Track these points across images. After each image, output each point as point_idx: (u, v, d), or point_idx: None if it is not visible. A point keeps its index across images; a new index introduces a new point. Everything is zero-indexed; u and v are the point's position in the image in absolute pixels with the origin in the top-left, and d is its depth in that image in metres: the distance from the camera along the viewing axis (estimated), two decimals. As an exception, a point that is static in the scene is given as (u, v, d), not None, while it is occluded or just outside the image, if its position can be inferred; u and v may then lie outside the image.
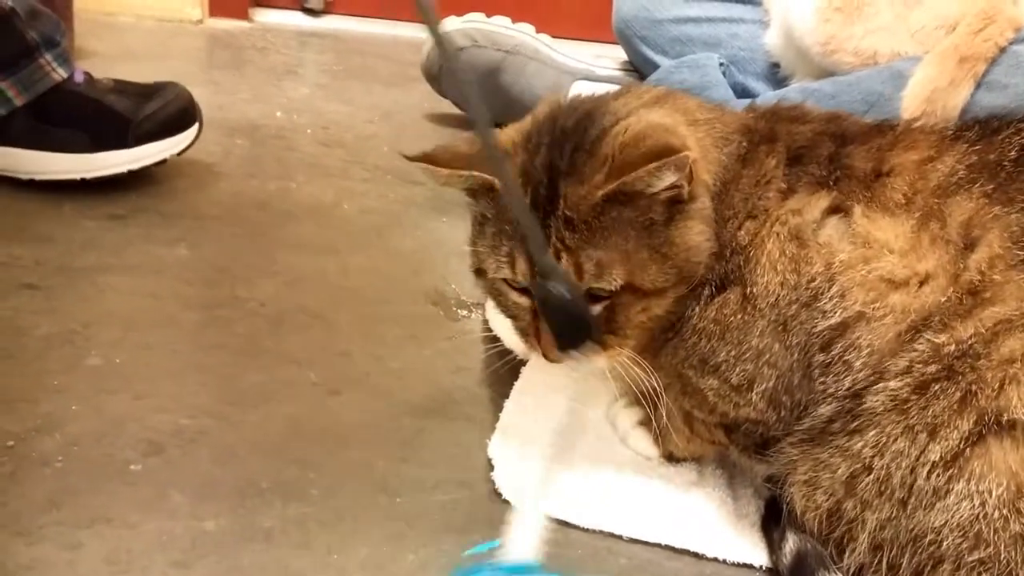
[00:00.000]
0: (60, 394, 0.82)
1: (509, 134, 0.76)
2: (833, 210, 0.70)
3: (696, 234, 0.71)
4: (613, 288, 0.71)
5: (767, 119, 0.77)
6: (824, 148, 0.73)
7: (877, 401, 0.66)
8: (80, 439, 0.77)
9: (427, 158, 0.75)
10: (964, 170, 0.70)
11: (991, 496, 0.62)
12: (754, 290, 0.70)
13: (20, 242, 1.06)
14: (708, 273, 0.72)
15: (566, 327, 0.71)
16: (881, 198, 0.70)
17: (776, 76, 1.42)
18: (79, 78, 1.20)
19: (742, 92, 1.40)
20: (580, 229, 0.70)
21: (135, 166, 1.19)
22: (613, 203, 0.69)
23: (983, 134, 0.72)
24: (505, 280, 0.75)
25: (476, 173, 0.73)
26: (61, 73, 1.17)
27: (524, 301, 0.75)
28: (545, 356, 0.75)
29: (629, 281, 0.71)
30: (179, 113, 1.22)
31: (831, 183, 0.71)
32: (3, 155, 1.16)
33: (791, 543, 0.72)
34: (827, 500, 0.68)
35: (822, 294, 0.68)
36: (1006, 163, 0.70)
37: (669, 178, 0.68)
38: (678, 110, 0.76)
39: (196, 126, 1.23)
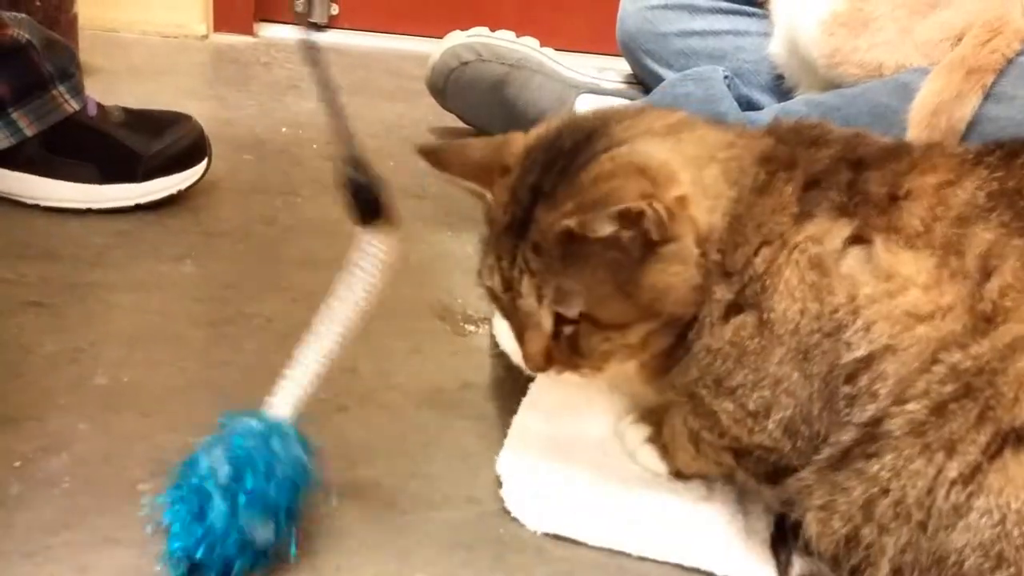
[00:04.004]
0: (67, 413, 0.82)
1: (519, 145, 0.77)
2: (854, 240, 0.69)
3: (669, 276, 0.70)
4: (572, 316, 0.71)
5: (788, 143, 0.76)
6: (843, 174, 0.72)
7: (895, 425, 0.65)
8: (88, 459, 0.77)
9: (433, 156, 0.78)
10: (984, 197, 0.68)
11: (1010, 511, 0.61)
12: (771, 316, 0.69)
13: (26, 259, 1.06)
14: (700, 307, 0.71)
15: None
16: (899, 224, 0.68)
17: (781, 88, 1.42)
18: (92, 110, 1.21)
19: (747, 104, 1.40)
20: (545, 255, 0.70)
21: (142, 200, 1.20)
22: (577, 236, 0.69)
23: (1004, 158, 0.70)
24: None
25: (469, 184, 0.75)
26: (73, 105, 1.18)
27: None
28: (524, 363, 0.76)
29: (588, 312, 0.71)
30: (189, 149, 1.23)
31: (851, 209, 0.70)
32: (12, 180, 1.17)
33: (798, 568, 0.71)
34: (844, 526, 0.67)
35: (846, 326, 0.67)
36: None
37: (607, 228, 0.68)
38: (692, 143, 0.74)
39: (205, 161, 1.25)
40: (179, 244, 1.16)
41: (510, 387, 0.91)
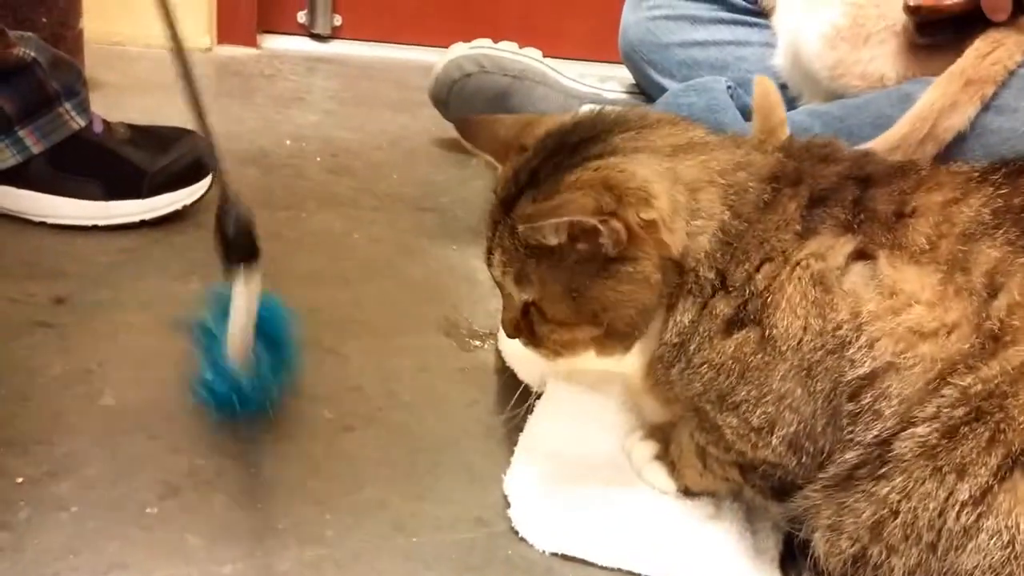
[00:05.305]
0: (75, 436, 0.82)
1: (542, 128, 0.80)
2: (857, 256, 0.69)
3: (617, 293, 0.72)
4: (525, 299, 0.76)
5: (797, 158, 0.76)
6: (848, 191, 0.72)
7: (905, 448, 0.65)
8: (96, 482, 0.77)
9: (465, 126, 0.88)
10: (990, 214, 0.68)
11: (1020, 532, 0.61)
12: (774, 332, 0.69)
13: (33, 279, 1.07)
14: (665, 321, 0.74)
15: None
16: (903, 241, 0.68)
17: (784, 98, 1.41)
18: (97, 127, 1.21)
19: (750, 115, 1.39)
20: (517, 238, 0.73)
21: (148, 216, 1.21)
22: None
23: (1009, 176, 0.70)
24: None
25: (488, 158, 0.82)
26: (79, 122, 1.19)
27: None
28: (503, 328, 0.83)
29: (537, 303, 0.76)
30: (194, 164, 1.23)
31: (855, 226, 0.70)
32: (18, 197, 1.18)
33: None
34: (852, 546, 0.67)
35: (850, 343, 0.67)
36: None
37: (554, 239, 0.71)
38: (695, 166, 0.74)
39: (210, 177, 1.25)
40: (185, 260, 1.16)
41: (517, 404, 0.91)
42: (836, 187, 0.73)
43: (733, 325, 0.71)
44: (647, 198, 0.70)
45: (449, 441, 0.89)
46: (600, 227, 0.69)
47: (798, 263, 0.69)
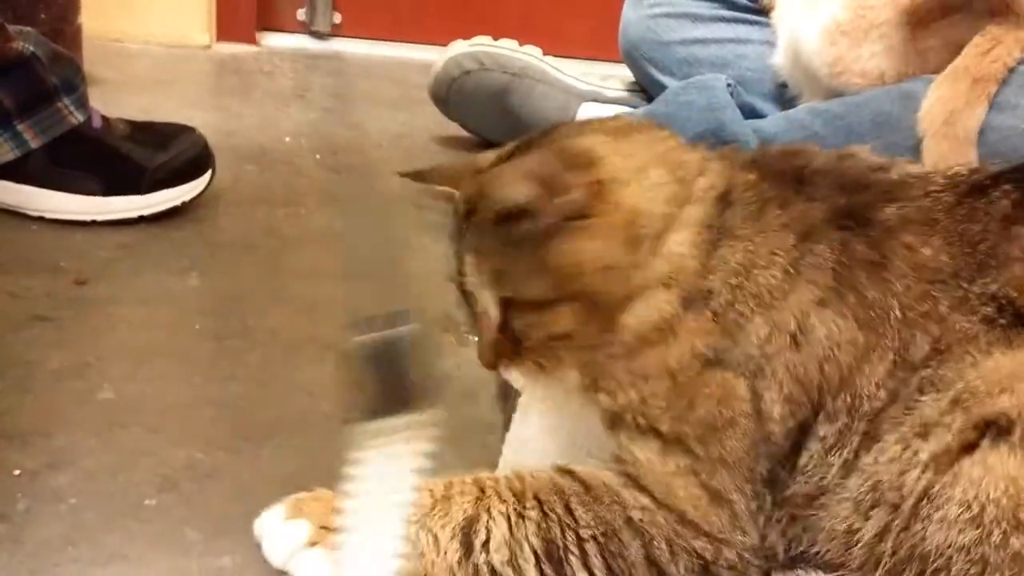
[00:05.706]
0: (74, 428, 0.82)
1: (495, 154, 0.79)
2: None
3: (584, 253, 0.70)
4: (504, 296, 0.71)
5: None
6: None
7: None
8: (94, 474, 0.77)
9: (414, 174, 0.84)
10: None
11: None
12: None
13: (31, 273, 1.07)
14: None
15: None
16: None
17: (784, 96, 1.42)
18: (96, 123, 1.22)
19: (750, 113, 1.40)
20: (484, 232, 0.71)
21: (146, 211, 1.21)
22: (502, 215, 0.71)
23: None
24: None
25: (443, 188, 0.80)
26: (78, 117, 1.19)
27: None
28: (479, 359, 0.75)
29: (514, 296, 0.71)
30: (193, 160, 1.24)
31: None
32: (17, 192, 1.18)
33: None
34: None
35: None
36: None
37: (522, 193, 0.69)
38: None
39: (208, 173, 1.25)
40: (183, 256, 1.16)
41: (514, 397, 0.91)
42: None
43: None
44: (593, 160, 0.70)
45: (447, 436, 0.88)
46: (555, 182, 0.68)
47: None
